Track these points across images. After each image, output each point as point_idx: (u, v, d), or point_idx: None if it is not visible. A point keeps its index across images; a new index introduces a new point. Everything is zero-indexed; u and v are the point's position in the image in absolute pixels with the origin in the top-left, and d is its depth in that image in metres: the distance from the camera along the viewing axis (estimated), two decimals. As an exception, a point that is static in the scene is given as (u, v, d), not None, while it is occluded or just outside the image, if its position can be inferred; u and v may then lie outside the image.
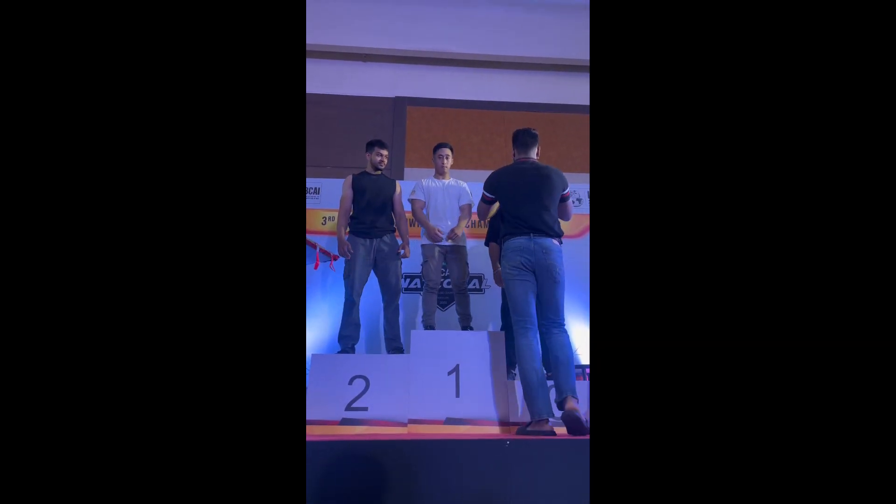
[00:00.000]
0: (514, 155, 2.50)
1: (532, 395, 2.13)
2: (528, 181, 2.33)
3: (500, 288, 3.07)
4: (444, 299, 3.64)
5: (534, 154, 2.46)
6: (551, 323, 2.25)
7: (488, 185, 2.45)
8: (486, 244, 3.18)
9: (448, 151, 3.21)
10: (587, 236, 3.85)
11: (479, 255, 3.46)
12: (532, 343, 2.20)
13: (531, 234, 2.25)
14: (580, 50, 4.74)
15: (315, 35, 4.38)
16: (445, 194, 3.14)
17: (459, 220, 3.12)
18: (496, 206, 2.66)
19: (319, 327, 3.53)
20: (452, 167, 3.30)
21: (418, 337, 2.52)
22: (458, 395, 2.38)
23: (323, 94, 4.55)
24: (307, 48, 4.00)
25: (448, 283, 3.31)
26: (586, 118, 4.77)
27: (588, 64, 4.72)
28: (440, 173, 3.21)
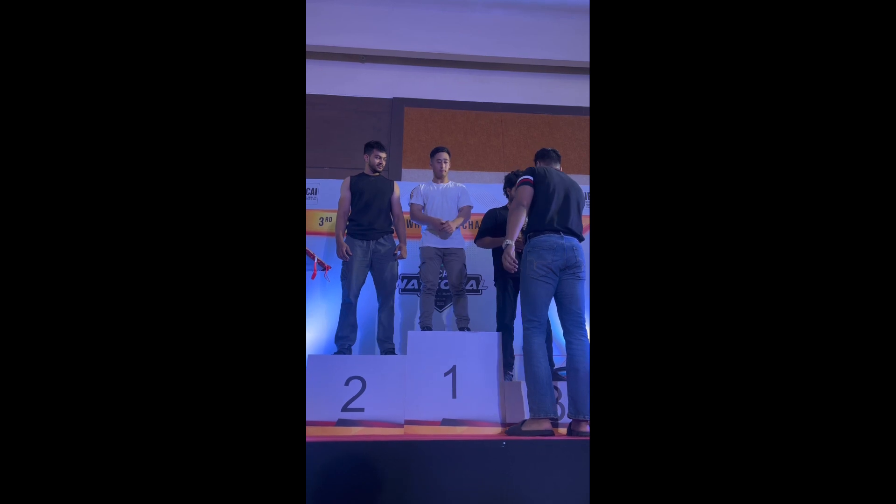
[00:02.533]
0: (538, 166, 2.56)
1: (541, 392, 2.15)
2: (565, 184, 2.39)
3: (496, 290, 3.08)
4: (442, 300, 3.64)
5: (558, 167, 2.55)
6: (574, 322, 2.27)
7: (530, 172, 2.39)
8: (476, 240, 3.16)
9: (446, 156, 3.23)
10: (586, 237, 3.86)
11: (476, 257, 3.46)
12: (544, 344, 2.25)
13: (562, 233, 2.27)
14: (578, 52, 4.75)
15: (312, 36, 4.37)
16: (444, 197, 3.15)
17: (457, 218, 3.13)
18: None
19: (317, 328, 3.52)
20: (450, 169, 3.31)
21: (415, 338, 2.52)
22: (454, 396, 2.38)
23: (320, 95, 4.55)
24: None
25: (445, 285, 3.31)
26: (583, 120, 4.78)
27: (585, 66, 4.74)
28: (438, 177, 3.22)
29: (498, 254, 3.08)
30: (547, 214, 2.29)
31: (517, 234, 2.34)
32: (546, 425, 2.09)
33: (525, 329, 2.26)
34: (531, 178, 2.36)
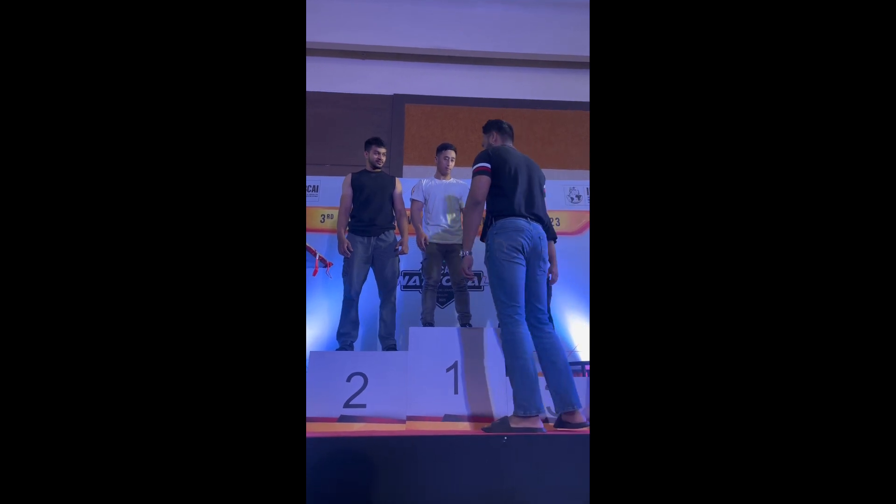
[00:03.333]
0: (494, 142, 2.33)
1: (531, 387, 1.95)
2: (525, 164, 2.19)
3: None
4: (444, 297, 3.64)
5: (511, 145, 2.34)
6: (539, 319, 2.13)
7: (486, 157, 2.16)
8: (482, 239, 3.16)
9: (453, 154, 3.22)
10: (587, 233, 3.84)
11: (478, 253, 3.46)
12: (528, 333, 2.04)
13: (529, 218, 2.10)
14: (578, 47, 4.73)
15: (312, 33, 4.36)
16: (446, 193, 3.15)
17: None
18: None
19: (318, 325, 3.53)
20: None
21: (417, 334, 2.52)
22: (456, 391, 2.38)
23: (321, 93, 4.55)
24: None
25: (448, 281, 3.32)
26: (585, 115, 4.77)
27: (586, 60, 4.72)
28: (442, 173, 3.21)
29: None
30: (513, 199, 2.08)
31: (474, 240, 2.16)
32: (538, 423, 1.91)
33: (506, 316, 2.02)
34: (488, 165, 2.12)
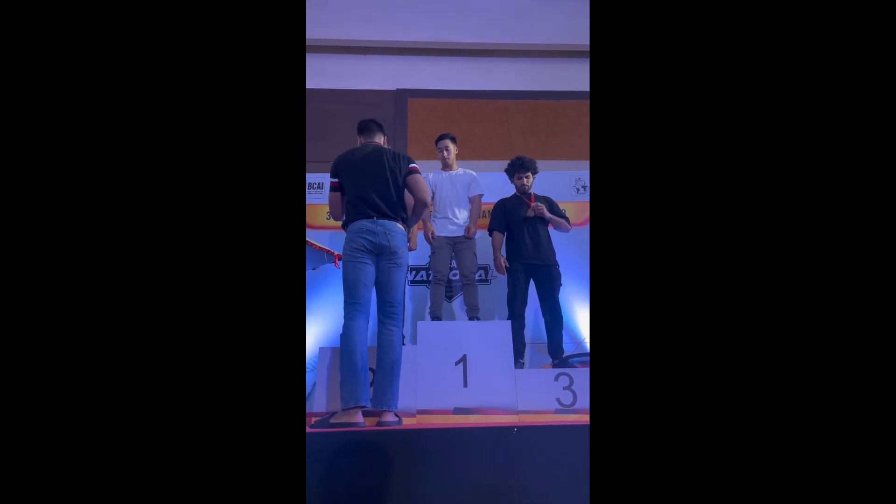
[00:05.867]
0: (360, 141, 2.48)
1: (356, 381, 2.04)
2: (374, 161, 2.28)
3: (507, 278, 3.08)
4: (452, 290, 3.65)
5: (380, 140, 2.45)
6: (386, 313, 2.23)
7: (333, 172, 2.33)
8: (490, 233, 3.18)
9: (448, 143, 3.20)
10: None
11: (486, 246, 3.46)
12: (363, 327, 2.15)
13: (374, 217, 2.21)
14: (581, 36, 4.69)
15: (312, 29, 4.36)
16: (453, 185, 3.14)
17: (470, 215, 3.11)
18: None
19: (327, 321, 3.54)
20: (458, 158, 3.29)
21: (425, 328, 2.53)
22: (465, 385, 2.39)
23: (322, 89, 4.55)
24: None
25: (455, 275, 3.32)
26: (588, 104, 4.73)
27: (588, 49, 4.67)
28: (446, 165, 3.21)
29: (508, 242, 3.09)
30: (355, 206, 2.24)
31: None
32: (358, 417, 2.00)
33: (345, 312, 2.16)
34: (335, 180, 2.30)
